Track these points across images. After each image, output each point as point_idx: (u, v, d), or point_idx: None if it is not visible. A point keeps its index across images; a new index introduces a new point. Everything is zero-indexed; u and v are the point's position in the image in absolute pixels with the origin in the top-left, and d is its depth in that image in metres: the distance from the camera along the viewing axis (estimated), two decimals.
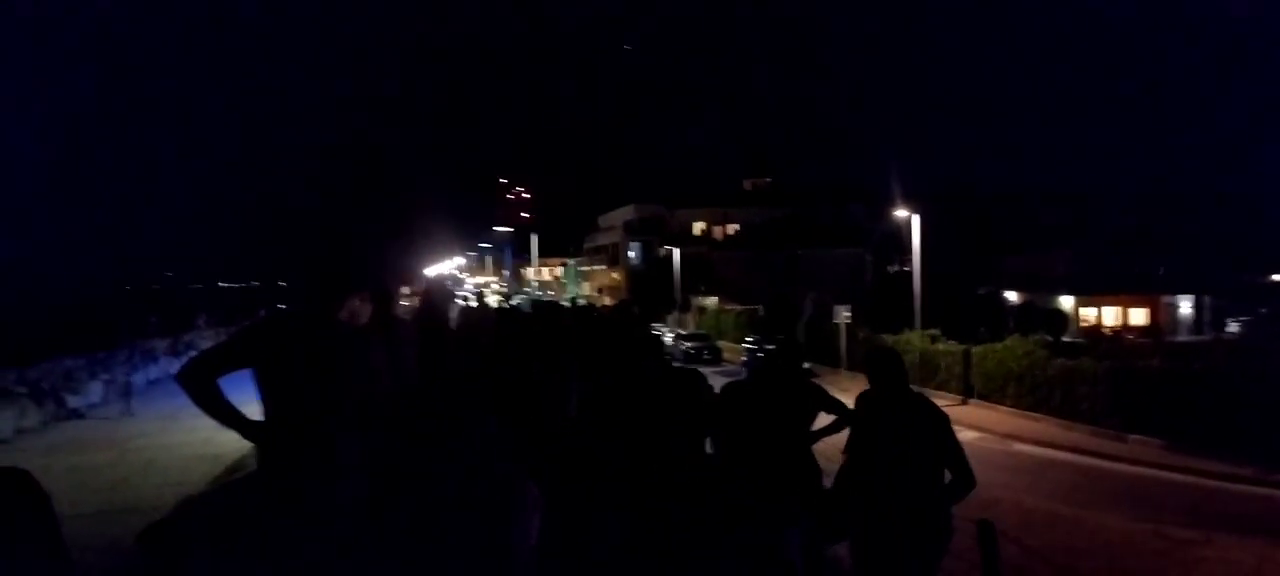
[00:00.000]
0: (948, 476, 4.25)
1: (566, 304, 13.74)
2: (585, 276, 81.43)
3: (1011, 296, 44.45)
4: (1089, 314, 41.44)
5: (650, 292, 51.09)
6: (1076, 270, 42.18)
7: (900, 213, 29.49)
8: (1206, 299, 42.44)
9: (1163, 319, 40.85)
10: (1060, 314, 38.44)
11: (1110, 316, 41.56)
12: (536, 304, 10.92)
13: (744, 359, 31.67)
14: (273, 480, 3.24)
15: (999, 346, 23.31)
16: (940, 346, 25.56)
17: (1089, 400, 19.33)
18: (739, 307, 46.60)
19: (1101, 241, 43.60)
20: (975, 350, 24.00)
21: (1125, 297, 41.37)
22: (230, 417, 3.18)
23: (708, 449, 4.79)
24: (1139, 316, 41.28)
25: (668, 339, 37.32)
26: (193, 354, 3.53)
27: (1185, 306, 42.34)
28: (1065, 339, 28.40)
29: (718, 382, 5.24)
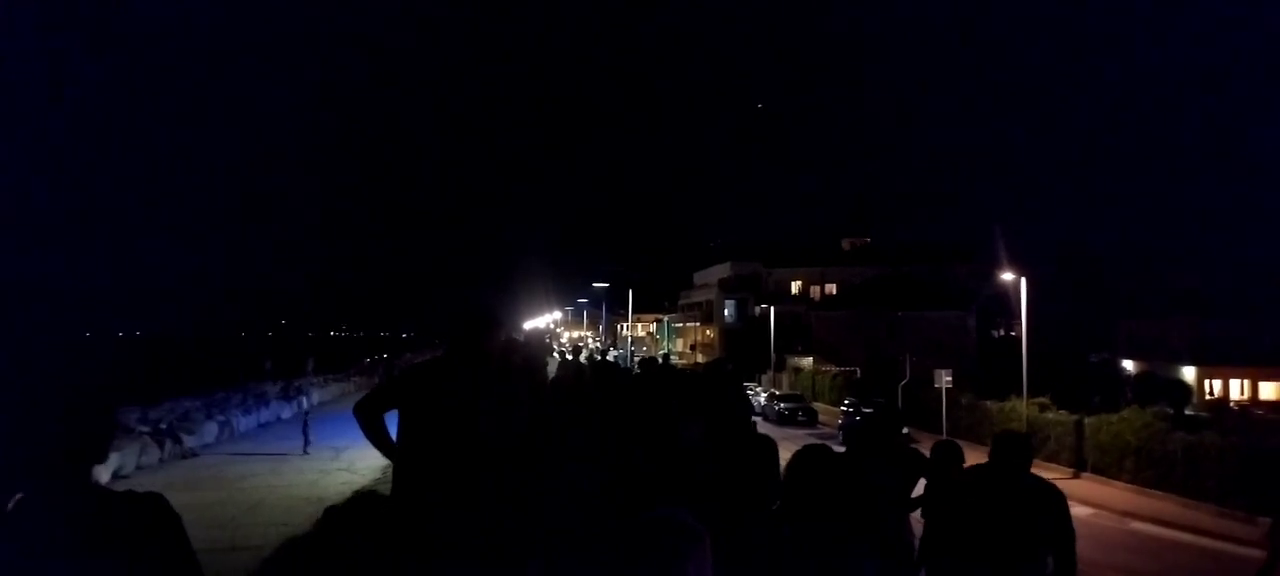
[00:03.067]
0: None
1: (658, 359, 13.81)
2: (679, 332, 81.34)
3: (1128, 365, 42.18)
4: (1213, 386, 38.99)
5: (744, 351, 50.55)
6: (1199, 338, 39.66)
7: (1007, 275, 28.50)
8: None
9: None
10: (1182, 385, 36.28)
11: (1236, 389, 38.99)
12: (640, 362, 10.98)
13: (840, 421, 30.99)
14: (405, 507, 3.56)
15: (1114, 418, 22.18)
16: (1050, 415, 24.46)
17: (1216, 478, 18.13)
18: (835, 369, 45.71)
19: (1227, 308, 41.00)
20: (1088, 421, 22.93)
21: (1254, 370, 38.70)
22: (387, 449, 3.76)
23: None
24: (1269, 390, 38.55)
25: (761, 399, 36.86)
26: (365, 392, 4.17)
27: None
28: (1187, 412, 26.81)
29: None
